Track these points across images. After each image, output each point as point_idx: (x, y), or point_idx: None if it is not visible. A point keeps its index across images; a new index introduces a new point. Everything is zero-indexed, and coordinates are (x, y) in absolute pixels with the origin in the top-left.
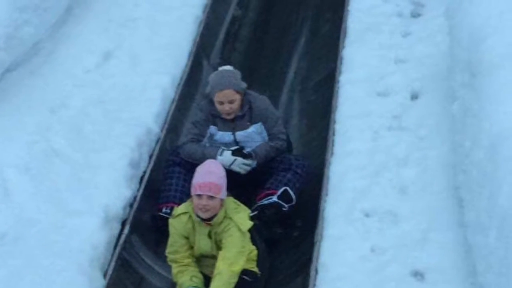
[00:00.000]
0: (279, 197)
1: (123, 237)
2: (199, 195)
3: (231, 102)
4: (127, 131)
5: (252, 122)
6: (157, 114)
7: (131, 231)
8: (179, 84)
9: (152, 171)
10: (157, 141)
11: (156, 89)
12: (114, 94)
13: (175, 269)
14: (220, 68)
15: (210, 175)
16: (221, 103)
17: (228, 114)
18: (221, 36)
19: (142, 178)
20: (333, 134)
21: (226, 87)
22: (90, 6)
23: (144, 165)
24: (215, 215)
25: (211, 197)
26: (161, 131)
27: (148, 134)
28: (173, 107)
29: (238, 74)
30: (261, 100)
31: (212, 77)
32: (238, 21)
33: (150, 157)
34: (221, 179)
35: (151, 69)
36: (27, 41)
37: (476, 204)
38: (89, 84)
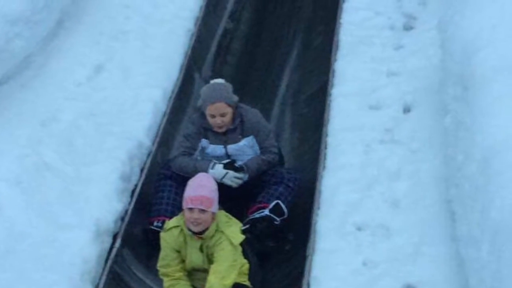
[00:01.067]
0: (271, 211)
1: (114, 250)
2: (190, 209)
3: (222, 115)
4: (119, 144)
5: (244, 135)
6: (149, 128)
7: (122, 245)
8: (170, 97)
9: (143, 184)
10: (149, 155)
11: (148, 102)
12: (105, 107)
13: (166, 282)
14: (212, 81)
15: (201, 188)
16: (213, 116)
17: (220, 127)
18: (213, 49)
19: (133, 191)
20: (325, 148)
21: (218, 100)
22: (81, 19)
23: (136, 178)
24: (206, 229)
25: (202, 211)
26: (153, 144)
27: (139, 148)
28: (164, 120)
29: (229, 87)
30: (252, 113)
31: (204, 90)
32: (229, 34)
33: (142, 170)
34: (212, 192)
35: (142, 82)
36: (18, 54)
37: (469, 217)
38: (80, 97)
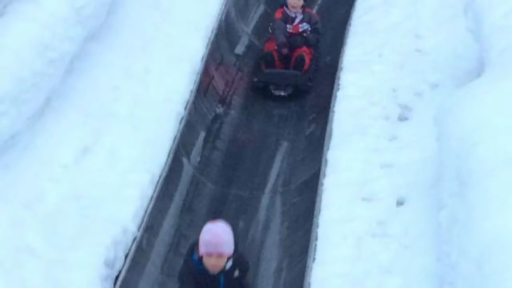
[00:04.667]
0: None
1: None
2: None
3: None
4: (103, 229)
5: None
6: (135, 213)
7: None
8: (157, 182)
9: (127, 271)
10: (134, 240)
11: (134, 187)
12: (90, 191)
13: None
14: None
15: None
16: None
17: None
18: (202, 134)
19: (117, 277)
20: (316, 239)
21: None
22: (69, 99)
23: (120, 264)
24: None
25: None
26: (138, 230)
27: (124, 233)
28: (151, 205)
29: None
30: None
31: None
32: (219, 119)
33: (126, 256)
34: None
35: (129, 166)
36: (3, 133)
37: None
38: (66, 179)
